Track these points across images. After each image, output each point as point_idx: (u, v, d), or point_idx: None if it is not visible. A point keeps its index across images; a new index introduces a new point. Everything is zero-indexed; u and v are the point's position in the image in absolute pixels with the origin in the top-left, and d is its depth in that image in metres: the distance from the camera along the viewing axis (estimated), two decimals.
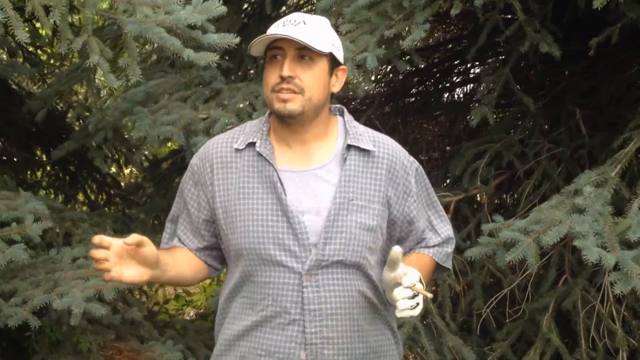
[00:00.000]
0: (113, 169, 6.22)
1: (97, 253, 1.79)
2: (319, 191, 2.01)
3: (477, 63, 5.58)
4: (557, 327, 3.67)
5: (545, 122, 4.41)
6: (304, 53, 1.95)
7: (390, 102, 5.72)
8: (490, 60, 5.09)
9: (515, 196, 4.32)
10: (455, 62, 5.77)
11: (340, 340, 1.99)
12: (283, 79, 1.94)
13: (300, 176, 2.02)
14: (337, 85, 2.06)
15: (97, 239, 1.80)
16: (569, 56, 3.66)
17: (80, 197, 5.66)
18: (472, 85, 5.81)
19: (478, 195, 3.98)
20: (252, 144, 2.04)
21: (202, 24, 2.92)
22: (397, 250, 1.82)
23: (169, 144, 6.23)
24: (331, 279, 1.99)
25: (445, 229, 2.22)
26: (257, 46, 1.99)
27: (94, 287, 3.02)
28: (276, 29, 1.98)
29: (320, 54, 1.97)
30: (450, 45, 5.90)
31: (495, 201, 4.40)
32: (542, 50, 3.55)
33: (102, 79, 3.09)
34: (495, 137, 4.25)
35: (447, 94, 5.93)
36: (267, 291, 1.99)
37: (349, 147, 2.04)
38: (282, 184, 2.00)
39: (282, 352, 1.98)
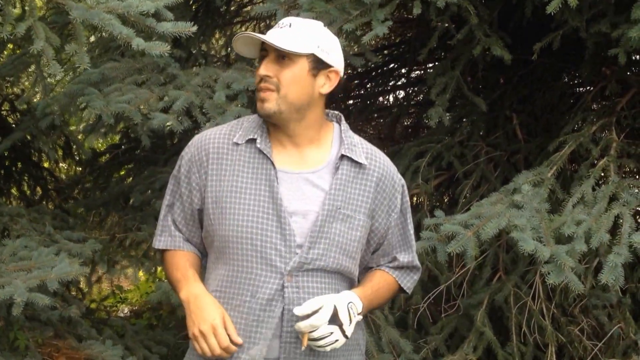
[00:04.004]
0: (46, 165, 6.04)
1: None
2: (309, 195, 2.05)
3: (414, 67, 5.70)
4: (490, 322, 3.75)
5: (484, 126, 4.53)
6: (283, 53, 2.01)
7: (331, 104, 5.78)
8: (433, 65, 5.21)
9: (454, 197, 4.43)
10: (392, 66, 5.89)
11: None
12: (261, 78, 2.02)
13: (292, 178, 2.06)
14: (326, 87, 2.09)
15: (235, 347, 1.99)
16: (507, 64, 3.79)
17: (14, 191, 5.49)
18: (410, 89, 5.94)
19: (417, 194, 4.07)
20: (251, 140, 2.08)
21: (159, 11, 2.85)
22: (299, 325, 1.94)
23: (108, 138, 6.09)
24: (312, 282, 2.04)
25: (415, 254, 2.26)
26: (241, 47, 2.07)
27: (37, 277, 2.93)
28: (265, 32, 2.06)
29: (299, 55, 2.01)
30: (387, 51, 6.02)
31: (434, 202, 4.49)
32: (495, 54, 3.66)
33: (47, 69, 2.96)
34: (436, 138, 4.36)
35: (387, 96, 6.03)
36: (247, 287, 2.02)
37: (342, 157, 2.08)
38: (277, 183, 2.03)
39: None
